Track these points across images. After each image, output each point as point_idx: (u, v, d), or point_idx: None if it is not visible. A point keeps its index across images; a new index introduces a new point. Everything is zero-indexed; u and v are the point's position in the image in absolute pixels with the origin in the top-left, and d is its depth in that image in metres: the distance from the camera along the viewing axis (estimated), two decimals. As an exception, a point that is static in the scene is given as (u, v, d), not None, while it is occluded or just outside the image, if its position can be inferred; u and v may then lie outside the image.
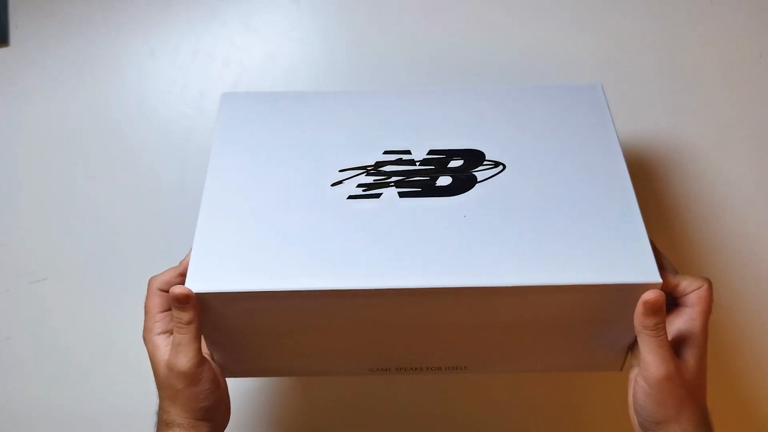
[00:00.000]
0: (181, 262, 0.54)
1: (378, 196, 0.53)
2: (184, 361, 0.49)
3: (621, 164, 0.53)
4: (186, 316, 0.49)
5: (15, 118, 0.74)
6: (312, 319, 0.50)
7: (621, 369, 0.54)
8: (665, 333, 0.47)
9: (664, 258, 0.51)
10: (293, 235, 0.50)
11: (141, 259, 0.72)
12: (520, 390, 0.70)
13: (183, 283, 0.49)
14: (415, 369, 0.55)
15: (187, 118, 0.73)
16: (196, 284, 0.48)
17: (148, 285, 0.54)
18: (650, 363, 0.47)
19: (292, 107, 0.59)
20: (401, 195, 0.53)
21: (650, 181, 0.70)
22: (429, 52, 0.73)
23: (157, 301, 0.53)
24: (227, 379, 0.54)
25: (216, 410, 0.52)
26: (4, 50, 0.75)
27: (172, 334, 0.51)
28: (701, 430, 0.48)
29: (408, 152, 0.56)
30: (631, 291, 0.47)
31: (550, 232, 0.50)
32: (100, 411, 0.71)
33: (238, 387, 0.63)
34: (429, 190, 0.53)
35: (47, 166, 0.73)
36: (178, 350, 0.49)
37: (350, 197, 0.53)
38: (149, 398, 0.71)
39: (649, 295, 0.47)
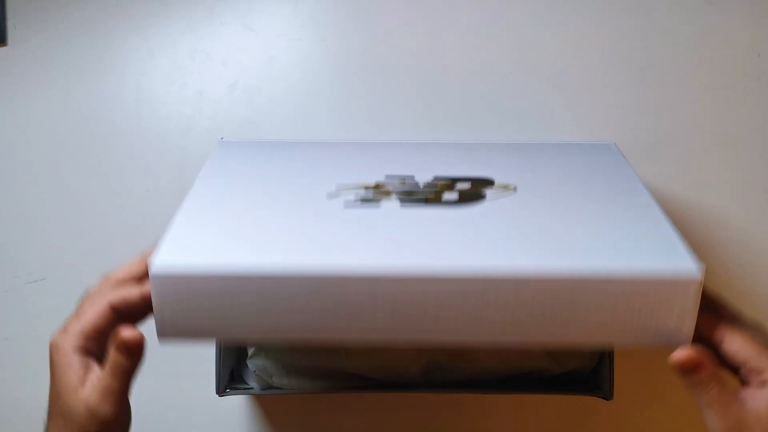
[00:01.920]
0: (142, 256, 0.48)
1: (377, 204, 0.49)
2: (113, 410, 0.44)
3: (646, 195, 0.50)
4: (130, 365, 0.44)
5: (13, 118, 0.74)
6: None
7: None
8: (716, 386, 0.42)
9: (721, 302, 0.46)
10: (282, 225, 0.47)
11: (139, 259, 0.72)
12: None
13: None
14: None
15: (186, 118, 0.73)
16: (163, 263, 0.44)
17: (101, 284, 0.47)
18: (708, 421, 0.43)
19: (287, 151, 0.60)
20: (403, 205, 0.49)
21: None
22: (430, 52, 0.73)
23: (102, 315, 0.45)
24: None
25: None
26: (2, 50, 0.75)
27: (87, 355, 0.44)
28: None
29: (411, 178, 0.53)
30: (668, 286, 0.41)
31: (569, 221, 0.46)
32: (98, 411, 0.71)
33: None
34: (434, 202, 0.49)
35: (45, 165, 0.73)
36: (107, 398, 0.44)
37: (348, 207, 0.49)
38: (149, 398, 0.71)
39: (677, 356, 0.42)
